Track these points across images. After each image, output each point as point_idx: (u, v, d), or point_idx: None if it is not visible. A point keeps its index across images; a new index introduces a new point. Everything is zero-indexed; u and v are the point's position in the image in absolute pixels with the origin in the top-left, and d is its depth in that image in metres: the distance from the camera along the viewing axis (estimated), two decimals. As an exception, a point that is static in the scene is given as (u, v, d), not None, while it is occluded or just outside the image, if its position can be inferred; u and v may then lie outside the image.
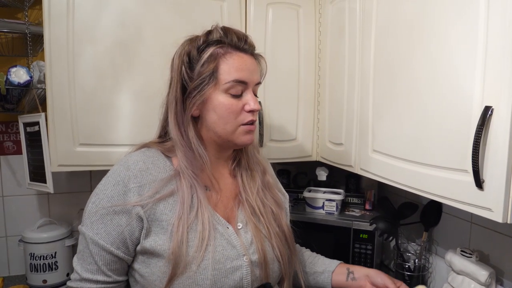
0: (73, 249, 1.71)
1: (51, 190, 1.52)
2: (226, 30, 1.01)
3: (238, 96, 0.99)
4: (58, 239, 1.68)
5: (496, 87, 0.87)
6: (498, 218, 0.89)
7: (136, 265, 0.98)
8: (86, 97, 1.40)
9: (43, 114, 1.50)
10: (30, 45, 1.67)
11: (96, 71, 1.40)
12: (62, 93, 1.37)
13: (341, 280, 1.24)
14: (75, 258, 1.00)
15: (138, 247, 0.96)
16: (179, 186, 0.98)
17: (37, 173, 1.58)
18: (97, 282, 0.97)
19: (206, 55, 0.98)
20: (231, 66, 0.98)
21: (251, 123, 1.02)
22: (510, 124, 0.85)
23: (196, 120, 1.01)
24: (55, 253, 1.67)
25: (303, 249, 1.36)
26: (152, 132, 1.11)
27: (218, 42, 0.99)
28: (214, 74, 0.97)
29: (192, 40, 1.02)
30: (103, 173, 1.03)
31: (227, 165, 1.12)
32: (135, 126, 1.46)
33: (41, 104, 1.59)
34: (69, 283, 1.00)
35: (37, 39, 1.68)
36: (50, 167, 1.42)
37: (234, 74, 0.98)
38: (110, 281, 0.98)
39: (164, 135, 1.07)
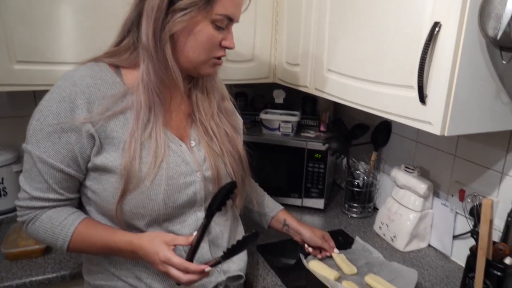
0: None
1: (-8, 113, 1.44)
2: None
3: (220, 29, 0.96)
4: (4, 165, 1.61)
5: (446, 2, 0.89)
6: (437, 131, 0.95)
7: (88, 182, 0.97)
8: (21, 8, 1.27)
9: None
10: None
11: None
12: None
13: (277, 227, 1.36)
14: (21, 177, 0.98)
15: (89, 164, 0.95)
16: (133, 102, 0.95)
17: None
18: (48, 200, 0.96)
19: None
20: (230, 1, 0.94)
21: (221, 57, 1.01)
22: (455, 40, 0.88)
23: (170, 38, 0.94)
24: (2, 179, 1.61)
25: (252, 181, 1.39)
26: (97, 47, 1.02)
27: None
28: (210, 2, 0.92)
29: None
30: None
31: (183, 83, 1.10)
32: (80, 42, 1.36)
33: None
34: (17, 202, 0.99)
35: None
36: (-14, 88, 1.31)
37: (229, 10, 0.95)
38: (62, 198, 0.97)
39: (120, 42, 1.00)
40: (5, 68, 1.29)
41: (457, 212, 1.38)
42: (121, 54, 0.99)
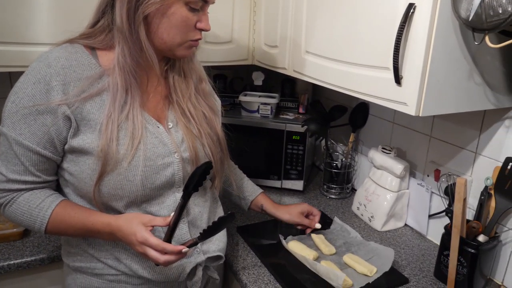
0: None
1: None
2: None
3: (195, 11, 0.95)
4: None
5: (420, -16, 0.90)
6: (412, 112, 0.97)
7: (65, 164, 0.97)
8: None
9: None
10: None
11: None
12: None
13: (257, 210, 1.40)
14: None
15: (66, 146, 0.94)
16: (109, 83, 0.94)
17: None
18: (25, 182, 0.96)
19: None
20: None
21: (197, 40, 1.00)
22: (429, 22, 0.90)
23: (144, 19, 0.94)
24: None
25: (233, 164, 1.41)
26: (73, 28, 1.00)
27: None
28: None
29: None
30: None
31: (159, 65, 1.09)
32: (56, 23, 1.33)
33: None
34: None
35: None
36: (-41, 69, 1.28)
37: None
38: (40, 181, 0.97)
39: (95, 24, 0.99)
40: None
41: (432, 192, 1.42)
42: (96, 35, 0.97)
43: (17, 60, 1.31)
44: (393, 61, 0.96)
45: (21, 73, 0.95)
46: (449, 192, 1.24)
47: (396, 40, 0.94)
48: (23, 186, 0.96)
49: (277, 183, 1.79)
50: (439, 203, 1.38)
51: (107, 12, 0.95)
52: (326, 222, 1.46)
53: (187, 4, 0.93)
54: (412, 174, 1.50)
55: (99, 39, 0.97)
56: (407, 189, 1.50)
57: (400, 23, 0.93)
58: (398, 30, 0.93)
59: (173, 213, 0.94)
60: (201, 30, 0.99)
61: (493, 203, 1.14)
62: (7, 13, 1.27)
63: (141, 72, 0.98)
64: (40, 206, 0.96)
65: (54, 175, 1.00)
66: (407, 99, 0.97)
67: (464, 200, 1.10)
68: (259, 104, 1.78)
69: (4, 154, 0.95)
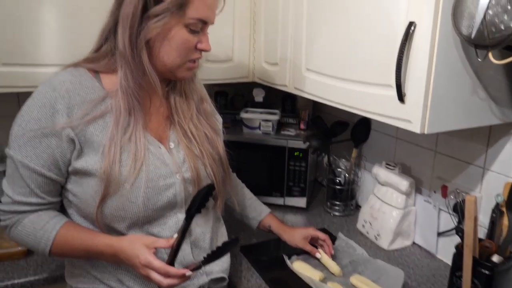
0: (5, 175, 1.63)
1: (-27, 115, 1.42)
2: None
3: (195, 32, 0.96)
4: (-14, 166, 1.60)
5: (420, 3, 0.90)
6: (416, 129, 0.96)
7: (69, 185, 0.98)
8: (5, 11, 1.27)
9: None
10: None
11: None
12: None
13: (264, 230, 1.39)
14: (4, 182, 0.98)
15: (70, 168, 0.95)
16: (112, 106, 0.95)
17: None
18: (30, 204, 0.96)
19: None
20: (202, 4, 0.94)
21: (196, 60, 1.01)
22: (430, 39, 0.89)
23: (146, 44, 0.95)
24: (-16, 180, 1.60)
25: (240, 183, 1.41)
26: (81, 51, 1.03)
27: None
28: (182, 7, 0.92)
29: None
30: (30, 95, 0.97)
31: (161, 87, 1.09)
32: (62, 44, 1.36)
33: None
34: (0, 207, 0.99)
35: None
36: (-31, 89, 1.31)
37: (202, 13, 0.95)
38: (44, 202, 0.98)
39: (99, 49, 1.00)
40: None
41: (440, 209, 1.39)
42: (99, 60, 0.99)
43: (25, 81, 1.34)
44: (396, 78, 0.95)
45: (29, 93, 0.97)
46: (458, 209, 1.21)
47: (397, 58, 0.94)
48: (28, 208, 0.97)
49: (279, 200, 1.78)
50: (448, 220, 1.34)
51: (110, 37, 0.97)
52: (330, 239, 1.44)
53: (187, 27, 0.95)
54: (418, 190, 1.48)
55: (102, 63, 0.98)
56: (414, 206, 1.48)
57: (401, 41, 0.93)
58: (399, 48, 0.93)
59: (176, 235, 0.94)
60: (201, 50, 1.00)
61: (506, 221, 1.10)
62: (16, 35, 1.30)
63: (143, 94, 0.99)
64: (44, 228, 0.97)
65: (58, 196, 1.01)
66: (411, 116, 0.96)
67: (475, 218, 1.06)
68: (260, 120, 1.77)
69: (10, 176, 0.96)
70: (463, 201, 1.11)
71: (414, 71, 0.94)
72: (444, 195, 1.36)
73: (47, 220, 0.98)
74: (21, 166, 0.93)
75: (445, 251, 1.40)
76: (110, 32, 0.97)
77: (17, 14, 1.29)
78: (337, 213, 1.74)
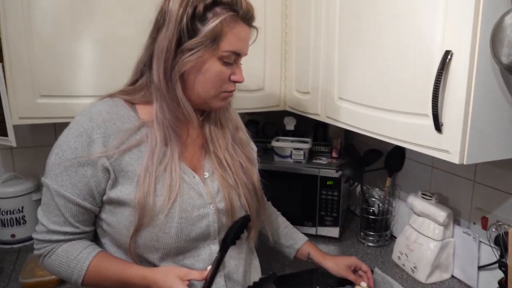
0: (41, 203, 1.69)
1: (14, 144, 1.48)
2: None
3: (228, 64, 0.97)
4: (24, 194, 1.65)
5: (456, 31, 0.89)
6: (455, 160, 0.93)
7: (103, 215, 0.98)
8: (45, 46, 1.33)
9: None
10: (-20, -9, 1.56)
11: (54, 18, 1.33)
12: (19, 42, 1.30)
13: (302, 259, 1.33)
14: (39, 210, 0.99)
15: (104, 197, 0.96)
16: (148, 136, 0.96)
17: (-2, 126, 1.52)
18: (65, 233, 0.97)
19: (214, 17, 0.92)
20: (235, 37, 0.95)
21: (231, 91, 1.02)
22: (468, 68, 0.87)
23: (180, 77, 0.96)
24: (22, 207, 1.65)
25: (276, 211, 1.39)
26: (115, 83, 1.06)
27: (230, 8, 0.94)
28: (216, 40, 0.93)
29: None
30: (67, 125, 1.00)
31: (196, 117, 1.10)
32: (98, 76, 1.41)
33: (-4, 54, 1.51)
34: (34, 235, 1.00)
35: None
36: (11, 120, 1.37)
37: (235, 46, 0.96)
38: (78, 232, 0.98)
39: (135, 82, 1.03)
40: (30, 102, 1.35)
41: (480, 241, 1.33)
42: (135, 93, 1.01)
43: (62, 111, 1.38)
44: (432, 108, 0.93)
45: (64, 123, 0.99)
46: (501, 242, 1.16)
47: (434, 87, 0.92)
48: (62, 237, 0.97)
49: (311, 230, 1.75)
50: (489, 254, 1.28)
51: (145, 71, 0.99)
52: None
53: (221, 59, 0.95)
54: (456, 221, 1.42)
55: (138, 96, 1.00)
56: (452, 237, 1.42)
57: (438, 70, 0.91)
58: (435, 77, 0.92)
59: (209, 267, 0.93)
60: (235, 82, 1.01)
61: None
62: (53, 69, 1.36)
63: (180, 125, 1.00)
64: (78, 258, 0.97)
65: (91, 226, 1.01)
66: (449, 146, 0.94)
67: (519, 252, 1.02)
68: (291, 149, 1.77)
69: (46, 205, 0.97)
70: (506, 233, 1.07)
71: (451, 101, 0.91)
72: (485, 227, 1.30)
73: (81, 250, 0.97)
74: (56, 195, 0.94)
75: (486, 286, 1.33)
76: (145, 66, 0.99)
77: (55, 49, 1.35)
78: (371, 244, 1.69)
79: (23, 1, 1.29)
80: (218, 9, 0.93)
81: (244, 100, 1.64)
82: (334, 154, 1.84)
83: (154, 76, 0.95)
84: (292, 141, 1.80)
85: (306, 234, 1.70)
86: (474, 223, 1.36)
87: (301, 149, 1.75)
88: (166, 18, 0.93)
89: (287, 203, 1.73)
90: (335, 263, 1.30)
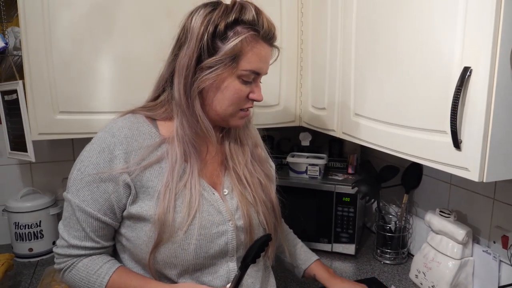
0: (58, 217, 1.70)
1: (33, 159, 1.51)
2: (258, 13, 0.96)
3: (247, 83, 0.98)
4: (42, 208, 1.68)
5: (475, 47, 0.88)
6: (475, 177, 0.91)
7: (123, 230, 0.99)
8: (64, 63, 1.36)
9: (20, 81, 1.47)
10: (4, 11, 1.61)
11: (73, 36, 1.36)
12: (39, 60, 1.33)
13: (310, 277, 1.31)
14: (60, 225, 1.00)
15: (125, 213, 0.96)
16: (168, 153, 0.97)
17: (18, 142, 1.55)
18: (85, 248, 0.98)
19: (235, 36, 0.93)
20: (255, 56, 0.96)
21: (248, 109, 1.03)
22: (488, 84, 0.86)
23: (199, 93, 0.98)
24: (40, 221, 1.67)
25: (288, 228, 1.37)
26: (133, 99, 1.07)
27: (251, 27, 0.94)
28: (235, 59, 0.94)
29: (221, 10, 0.94)
30: (85, 141, 1.02)
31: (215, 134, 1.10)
32: (116, 93, 1.43)
33: (18, 71, 1.54)
34: (55, 250, 1.01)
35: (11, 4, 1.61)
36: (30, 136, 1.40)
37: (254, 65, 0.96)
38: (98, 246, 0.99)
39: (156, 98, 1.04)
40: (48, 118, 1.38)
41: (501, 260, 1.30)
42: (157, 109, 1.02)
43: (80, 127, 1.41)
44: (451, 125, 0.92)
45: (83, 139, 1.01)
46: (522, 262, 1.14)
47: (452, 104, 0.91)
48: (83, 252, 0.98)
49: (327, 247, 1.73)
50: (510, 273, 1.25)
51: (167, 87, 1.01)
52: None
53: (240, 78, 0.96)
54: (476, 239, 1.40)
55: (160, 111, 1.02)
56: (471, 256, 1.39)
57: (456, 86, 0.90)
58: (454, 94, 0.91)
59: (229, 285, 0.93)
60: (253, 100, 1.01)
61: None
62: (73, 86, 1.39)
63: (200, 142, 1.01)
64: (98, 273, 0.97)
65: (111, 241, 1.02)
66: (468, 164, 0.92)
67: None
68: (307, 165, 1.76)
69: (67, 219, 0.98)
70: (528, 253, 1.04)
71: (471, 117, 0.90)
72: (505, 246, 1.28)
73: (101, 265, 0.98)
74: (78, 210, 0.95)
75: (508, 307, 1.30)
76: (166, 82, 1.01)
77: (74, 66, 1.38)
78: (387, 261, 1.67)
79: (44, 19, 1.32)
80: (239, 28, 0.94)
81: (260, 116, 1.64)
82: (350, 170, 1.83)
83: (175, 92, 0.97)
84: (308, 157, 1.80)
85: (322, 251, 1.71)
86: (494, 242, 1.33)
87: (316, 165, 1.75)
88: (188, 35, 0.94)
89: (303, 219, 1.73)
90: (341, 287, 1.25)
